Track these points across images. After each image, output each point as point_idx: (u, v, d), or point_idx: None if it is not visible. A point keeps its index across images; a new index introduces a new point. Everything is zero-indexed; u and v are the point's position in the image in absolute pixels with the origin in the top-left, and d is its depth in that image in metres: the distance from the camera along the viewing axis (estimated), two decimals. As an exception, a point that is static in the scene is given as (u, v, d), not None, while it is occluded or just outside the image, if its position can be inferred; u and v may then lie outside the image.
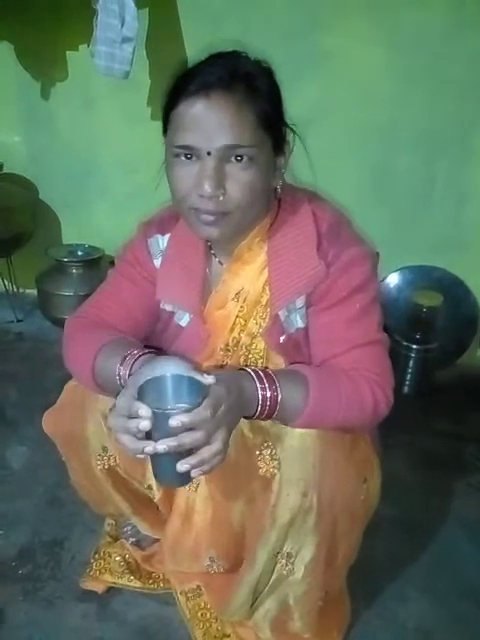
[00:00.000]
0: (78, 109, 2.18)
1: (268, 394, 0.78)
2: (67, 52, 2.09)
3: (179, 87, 0.79)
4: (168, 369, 0.74)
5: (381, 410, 0.86)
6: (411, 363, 1.90)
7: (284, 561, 0.91)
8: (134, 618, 1.14)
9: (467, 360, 2.06)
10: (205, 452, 0.69)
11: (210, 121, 0.76)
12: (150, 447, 0.67)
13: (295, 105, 2.00)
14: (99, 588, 1.17)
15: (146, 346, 0.97)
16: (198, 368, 0.75)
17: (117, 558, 1.20)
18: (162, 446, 0.67)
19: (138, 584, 1.18)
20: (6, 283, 2.37)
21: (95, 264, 2.19)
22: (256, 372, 0.80)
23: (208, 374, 0.73)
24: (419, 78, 1.85)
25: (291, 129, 0.87)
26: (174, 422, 0.66)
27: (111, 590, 1.18)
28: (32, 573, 1.22)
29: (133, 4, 1.71)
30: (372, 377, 0.85)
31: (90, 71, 1.88)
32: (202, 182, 0.77)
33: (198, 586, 1.13)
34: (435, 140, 1.93)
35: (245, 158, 0.78)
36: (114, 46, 1.76)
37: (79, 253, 2.23)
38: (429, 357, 1.91)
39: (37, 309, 2.32)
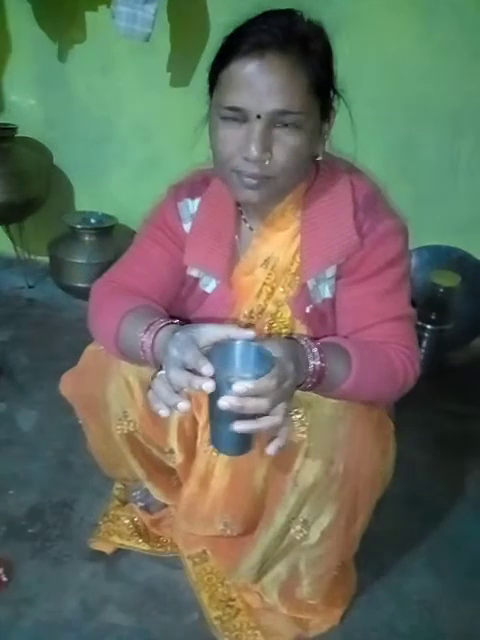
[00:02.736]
0: (96, 72, 2.14)
1: (317, 364, 0.77)
2: (86, 12, 2.04)
3: (231, 46, 0.76)
4: (219, 334, 0.71)
5: (409, 383, 0.86)
6: (425, 343, 1.87)
7: (299, 527, 0.91)
8: (141, 579, 1.15)
9: (481, 342, 2.04)
10: (268, 420, 0.68)
11: (263, 83, 0.73)
12: (225, 402, 0.64)
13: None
14: (107, 549, 1.18)
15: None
16: (259, 340, 0.72)
17: (126, 521, 1.21)
18: (225, 403, 0.65)
19: (146, 547, 1.19)
20: (18, 249, 2.36)
21: (108, 233, 2.17)
22: (307, 342, 0.79)
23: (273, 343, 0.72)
24: (451, 50, 1.79)
25: (339, 95, 0.84)
26: (239, 387, 0.64)
27: (119, 552, 1.19)
28: (42, 532, 1.24)
29: (156, -37, 1.67)
30: (403, 351, 0.85)
31: (109, 33, 1.84)
32: (249, 145, 0.75)
33: (204, 551, 1.14)
34: (463, 118, 1.88)
35: (294, 124, 0.76)
36: (136, 7, 1.71)
37: (92, 221, 2.20)
38: (444, 338, 1.89)
39: (48, 276, 2.31)
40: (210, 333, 0.71)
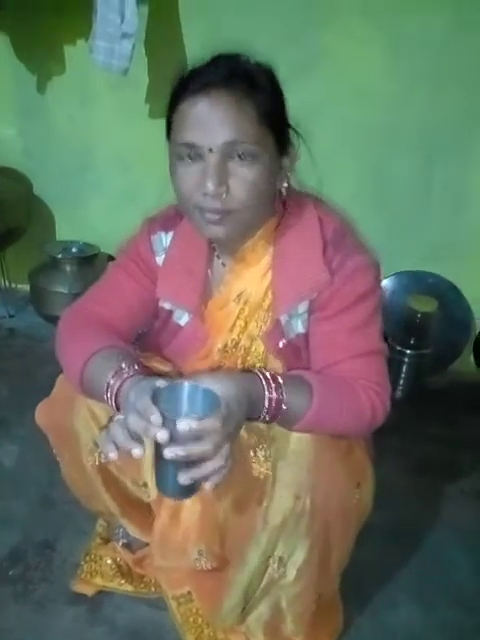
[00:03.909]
0: (74, 104, 2.15)
1: (274, 397, 0.78)
2: (65, 46, 2.06)
3: (181, 88, 0.80)
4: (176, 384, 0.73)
5: (378, 420, 0.87)
6: (405, 368, 1.90)
7: (276, 565, 0.91)
8: (125, 622, 1.13)
9: (460, 366, 2.07)
10: (210, 465, 0.69)
11: (211, 118, 0.76)
12: (170, 453, 0.67)
13: (292, 105, 1.99)
14: (89, 591, 1.17)
15: (140, 349, 0.97)
16: (203, 381, 0.74)
17: (108, 561, 1.20)
18: (170, 454, 0.66)
19: (129, 588, 1.17)
20: (-2, 278, 2.34)
21: (90, 261, 2.17)
22: (264, 375, 0.80)
23: (216, 382, 0.73)
24: (419, 80, 1.84)
25: (295, 131, 0.87)
26: (183, 426, 0.66)
27: (102, 593, 1.17)
28: (23, 575, 1.22)
29: (134, 0, 1.69)
30: (372, 387, 0.86)
31: (88, 66, 1.86)
32: (205, 180, 0.77)
33: (189, 592, 1.13)
34: (434, 143, 1.92)
35: (248, 156, 0.78)
36: (113, 41, 1.73)
37: (73, 250, 2.20)
38: (423, 362, 1.91)
39: (30, 305, 2.29)
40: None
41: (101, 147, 2.20)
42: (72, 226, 2.36)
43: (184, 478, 0.69)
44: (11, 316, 2.34)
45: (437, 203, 2.00)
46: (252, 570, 0.92)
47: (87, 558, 1.22)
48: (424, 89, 1.86)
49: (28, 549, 1.28)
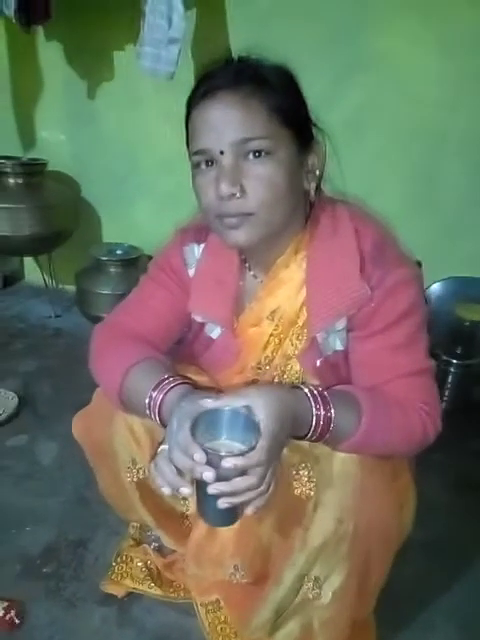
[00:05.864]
0: (123, 108, 2.20)
1: (322, 414, 0.75)
2: (114, 52, 2.11)
3: (193, 94, 0.79)
4: (216, 405, 0.71)
5: (429, 440, 0.83)
6: (450, 378, 1.83)
7: (311, 584, 0.88)
8: (153, 626, 1.13)
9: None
10: (252, 493, 0.68)
11: (218, 120, 0.75)
12: (214, 489, 0.66)
13: (341, 108, 1.97)
14: (119, 592, 1.17)
15: (176, 358, 0.96)
16: (246, 397, 0.72)
17: (139, 563, 1.20)
18: (215, 490, 0.66)
19: (159, 591, 1.17)
20: (46, 279, 2.41)
21: (133, 263, 2.21)
22: (311, 391, 0.77)
23: (259, 398, 0.71)
24: (471, 82, 1.78)
25: (317, 126, 0.84)
26: (228, 464, 0.65)
27: (131, 595, 1.17)
28: (56, 572, 1.23)
29: (181, 5, 1.71)
30: (422, 407, 0.82)
31: (135, 71, 1.89)
32: (219, 183, 0.75)
33: (218, 600, 1.11)
34: (486, 147, 1.86)
35: (262, 152, 0.76)
36: (160, 47, 1.75)
37: (118, 252, 2.25)
38: (469, 373, 1.83)
39: (75, 306, 2.35)
40: (211, 405, 0.71)
41: (147, 151, 2.24)
42: (118, 228, 2.41)
43: (225, 504, 0.68)
44: (57, 316, 2.40)
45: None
46: (286, 588, 0.90)
47: (118, 559, 1.23)
48: (474, 92, 1.79)
49: (62, 547, 1.29)
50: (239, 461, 0.64)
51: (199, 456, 0.65)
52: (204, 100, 0.76)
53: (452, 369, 1.83)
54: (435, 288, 1.98)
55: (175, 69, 1.79)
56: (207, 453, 0.66)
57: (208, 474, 0.65)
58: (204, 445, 0.66)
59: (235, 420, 0.71)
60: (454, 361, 1.82)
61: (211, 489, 0.65)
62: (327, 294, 0.84)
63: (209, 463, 0.65)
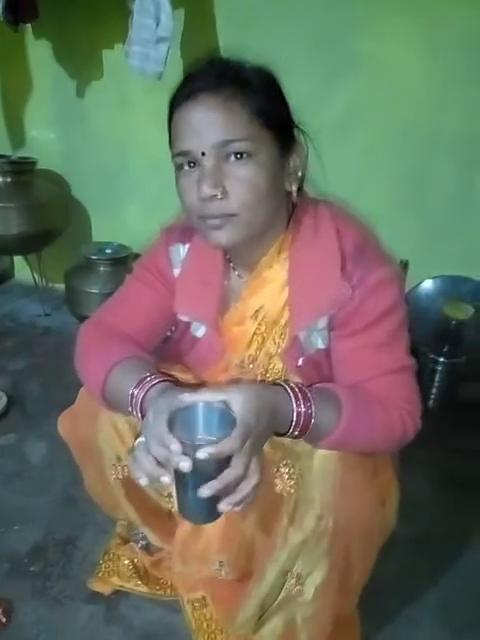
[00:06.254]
0: (112, 108, 2.19)
1: (302, 411, 0.76)
2: (103, 51, 2.11)
3: (175, 96, 0.80)
4: (193, 399, 0.72)
5: (408, 437, 0.84)
6: (437, 377, 1.84)
7: (294, 581, 0.89)
8: (140, 623, 1.13)
9: (496, 376, 1.99)
10: (245, 487, 0.69)
11: (200, 122, 0.76)
12: (207, 490, 0.66)
13: (329, 109, 1.97)
14: (106, 590, 1.18)
15: (161, 356, 0.96)
16: (224, 392, 0.72)
17: (125, 561, 1.20)
18: (208, 492, 0.66)
19: (145, 589, 1.18)
20: (36, 277, 2.41)
21: (122, 262, 2.20)
22: (292, 388, 0.78)
23: (238, 394, 0.71)
24: (458, 82, 1.79)
25: (299, 128, 0.84)
26: (202, 455, 0.65)
27: (118, 593, 1.18)
28: (43, 570, 1.24)
29: (169, 4, 1.71)
30: (402, 405, 0.83)
31: (125, 70, 1.88)
32: (201, 184, 0.76)
33: (204, 596, 1.12)
34: (473, 146, 1.86)
35: (244, 154, 0.76)
36: (148, 46, 1.75)
37: (107, 251, 2.24)
38: (456, 371, 1.85)
39: (65, 304, 2.34)
40: (188, 400, 0.71)
41: (137, 150, 2.23)
42: (108, 227, 2.41)
43: (225, 507, 0.68)
44: (47, 315, 2.40)
45: (476, 206, 1.93)
46: (269, 584, 0.91)
47: (105, 557, 1.23)
48: (463, 92, 1.81)
49: (49, 545, 1.30)
50: (212, 449, 0.65)
51: (175, 446, 0.66)
52: (186, 102, 0.77)
53: (439, 368, 1.84)
54: (423, 287, 2.00)
55: (163, 69, 1.79)
56: (183, 445, 0.66)
57: (184, 464, 0.65)
58: (178, 436, 0.67)
59: (210, 416, 0.72)
60: (441, 359, 1.84)
61: (204, 491, 0.66)
62: (308, 293, 0.85)
63: (185, 455, 0.66)
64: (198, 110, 0.76)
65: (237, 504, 0.69)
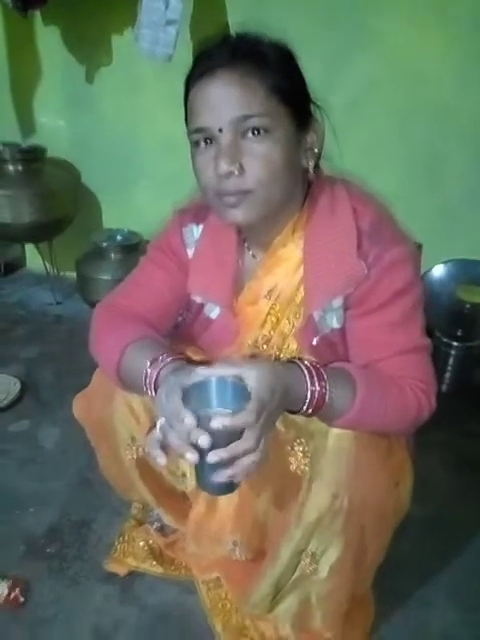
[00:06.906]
0: (122, 93, 2.18)
1: (317, 389, 0.76)
2: (112, 36, 2.09)
3: (191, 73, 0.79)
4: (207, 373, 0.72)
5: (423, 417, 0.84)
6: (451, 360, 1.83)
7: (308, 560, 0.89)
8: (155, 603, 1.15)
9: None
10: (246, 460, 0.69)
11: (217, 98, 0.75)
12: (215, 456, 0.67)
13: (341, 88, 1.94)
14: (121, 571, 1.19)
15: (174, 339, 0.96)
16: (238, 368, 0.72)
17: (141, 543, 1.22)
18: (214, 458, 0.66)
19: (160, 570, 1.19)
20: (47, 265, 2.41)
21: (134, 249, 2.20)
22: (306, 366, 0.78)
23: (252, 369, 0.71)
24: (472, 61, 1.76)
25: (315, 104, 0.83)
26: (216, 424, 0.65)
27: (133, 574, 1.19)
28: (59, 552, 1.25)
29: (178, -14, 1.69)
30: (417, 385, 0.82)
31: (134, 55, 1.87)
32: (218, 161, 0.76)
33: (218, 577, 1.13)
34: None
35: (261, 130, 0.76)
36: (158, 29, 1.74)
37: (118, 238, 2.24)
38: (470, 355, 1.84)
39: (76, 292, 2.35)
40: (201, 375, 0.72)
41: (147, 136, 2.22)
42: (118, 214, 2.40)
43: (220, 476, 0.68)
44: (59, 303, 2.40)
45: (491, 190, 1.91)
46: (284, 563, 0.91)
47: (121, 539, 1.25)
48: (478, 70, 1.77)
49: (65, 527, 1.31)
50: (227, 420, 0.65)
51: (189, 419, 0.66)
52: (202, 79, 0.76)
53: (453, 352, 1.83)
54: (436, 270, 1.98)
55: (173, 51, 1.78)
56: (198, 418, 0.66)
57: (203, 438, 0.65)
58: (196, 411, 0.67)
59: (223, 389, 0.72)
60: (455, 343, 1.82)
61: (210, 457, 0.66)
62: (324, 273, 0.84)
63: (200, 428, 0.66)
64: (215, 86, 0.75)
65: (229, 477, 0.69)
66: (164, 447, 0.73)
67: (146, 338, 0.87)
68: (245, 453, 0.67)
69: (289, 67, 0.80)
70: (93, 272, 2.20)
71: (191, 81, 0.79)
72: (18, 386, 1.78)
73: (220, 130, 0.75)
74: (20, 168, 2.13)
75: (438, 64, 1.80)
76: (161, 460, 0.72)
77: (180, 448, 0.69)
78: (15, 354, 2.01)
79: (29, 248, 2.64)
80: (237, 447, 0.67)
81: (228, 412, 0.68)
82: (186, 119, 0.82)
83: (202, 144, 0.79)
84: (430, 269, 1.97)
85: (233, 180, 0.76)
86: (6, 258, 2.64)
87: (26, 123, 2.35)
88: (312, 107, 0.84)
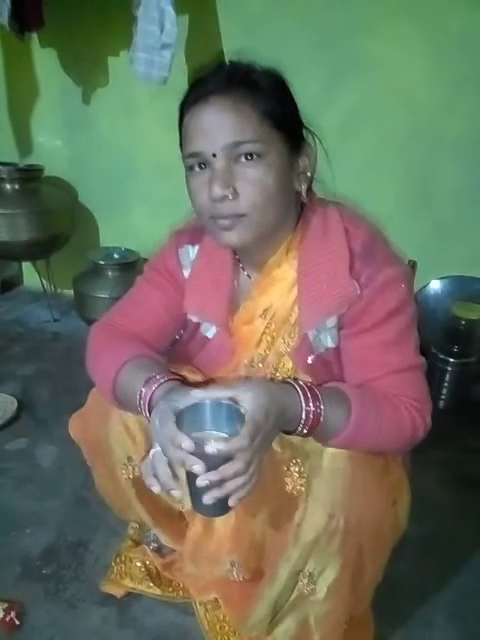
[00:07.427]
0: (118, 114, 2.21)
1: (311, 410, 0.76)
2: (108, 58, 2.13)
3: (185, 99, 0.81)
4: (202, 396, 0.73)
5: (418, 436, 0.84)
6: (447, 377, 1.84)
7: (306, 580, 0.88)
8: (152, 625, 1.13)
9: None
10: (231, 484, 0.69)
11: (211, 124, 0.77)
12: (204, 480, 0.67)
13: (334, 110, 1.98)
14: (118, 593, 1.18)
15: (171, 358, 0.97)
16: (234, 390, 0.73)
17: (138, 564, 1.20)
18: (203, 482, 0.67)
19: (157, 591, 1.17)
20: (44, 283, 2.42)
21: (131, 267, 2.22)
22: (301, 387, 0.78)
23: (247, 391, 0.72)
24: (462, 84, 1.80)
25: (308, 128, 0.85)
26: (211, 449, 0.66)
27: (131, 595, 1.18)
28: (56, 573, 1.24)
29: (173, 11, 1.72)
30: (412, 404, 0.83)
31: (130, 77, 1.90)
32: (212, 185, 0.77)
33: (216, 598, 1.12)
34: (479, 147, 1.87)
35: (254, 155, 0.77)
36: (153, 53, 1.77)
37: (115, 256, 2.26)
38: (466, 371, 1.84)
39: (73, 310, 2.36)
40: (196, 397, 0.72)
41: (143, 156, 2.25)
42: (115, 233, 2.42)
43: (207, 498, 0.68)
44: (56, 320, 2.41)
45: (484, 207, 1.93)
46: (282, 584, 0.91)
47: (117, 560, 1.23)
48: (467, 93, 1.81)
49: (62, 548, 1.30)
50: (221, 445, 0.66)
51: (187, 444, 0.66)
52: (197, 104, 0.78)
53: (449, 368, 1.84)
54: (432, 287, 1.99)
55: (168, 74, 1.81)
56: (194, 441, 0.67)
57: (198, 467, 0.66)
58: (190, 434, 0.68)
59: (218, 411, 0.72)
60: (451, 360, 1.83)
61: (200, 481, 0.66)
62: (317, 293, 0.85)
63: (195, 451, 0.67)
64: (209, 112, 0.77)
65: (216, 498, 0.69)
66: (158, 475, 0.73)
67: (142, 357, 0.88)
68: (235, 475, 0.68)
69: (281, 93, 0.82)
70: (90, 290, 2.21)
71: (186, 106, 0.81)
72: (15, 404, 1.78)
73: (214, 155, 0.77)
74: (18, 187, 2.15)
75: (428, 87, 1.84)
76: (156, 489, 0.73)
77: (166, 485, 0.71)
78: (12, 372, 2.01)
79: (26, 266, 2.65)
80: (227, 469, 0.67)
81: (223, 436, 0.68)
82: (180, 143, 0.83)
83: (196, 168, 0.80)
84: (425, 286, 1.98)
85: (227, 204, 0.78)
86: (4, 276, 2.65)
87: (23, 143, 2.38)
88: (305, 132, 0.85)
